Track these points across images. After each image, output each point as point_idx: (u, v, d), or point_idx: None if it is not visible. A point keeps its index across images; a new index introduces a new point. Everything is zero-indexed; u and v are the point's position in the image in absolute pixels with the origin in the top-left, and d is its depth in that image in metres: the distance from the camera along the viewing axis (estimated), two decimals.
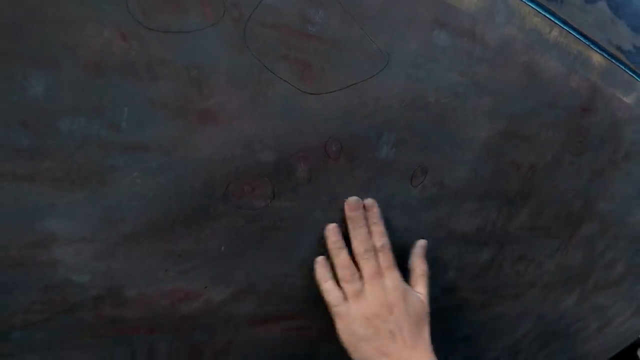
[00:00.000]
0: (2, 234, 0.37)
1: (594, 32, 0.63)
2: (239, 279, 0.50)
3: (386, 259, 0.51)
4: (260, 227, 0.49)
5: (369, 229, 0.51)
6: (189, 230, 0.45)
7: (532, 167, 0.70)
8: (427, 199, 0.61)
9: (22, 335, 0.41)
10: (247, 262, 0.50)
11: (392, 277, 0.51)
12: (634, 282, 1.19)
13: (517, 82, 0.60)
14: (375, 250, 0.50)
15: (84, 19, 0.33)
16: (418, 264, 0.56)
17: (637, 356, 1.84)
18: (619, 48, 0.68)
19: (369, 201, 0.52)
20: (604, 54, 0.66)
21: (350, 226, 0.50)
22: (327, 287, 0.50)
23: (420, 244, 0.58)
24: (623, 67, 0.70)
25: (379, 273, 0.50)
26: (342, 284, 0.50)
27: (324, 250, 0.53)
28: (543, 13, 0.57)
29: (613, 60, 0.68)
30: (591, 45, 0.64)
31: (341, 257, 0.50)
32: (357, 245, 0.50)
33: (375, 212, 0.52)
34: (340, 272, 0.50)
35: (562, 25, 0.60)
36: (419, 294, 0.54)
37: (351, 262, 0.50)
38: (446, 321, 0.80)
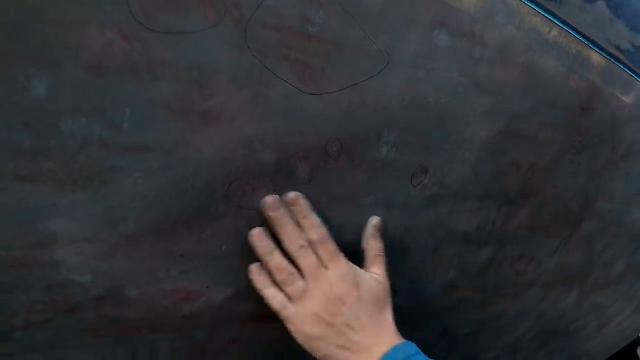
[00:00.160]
0: (4, 234, 0.37)
1: (593, 32, 0.63)
2: (240, 278, 0.50)
3: (326, 250, 0.47)
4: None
5: (299, 225, 0.47)
6: (190, 230, 0.45)
7: (532, 166, 0.70)
8: (427, 198, 0.61)
9: (24, 335, 0.41)
10: (248, 262, 0.50)
11: (337, 266, 0.47)
12: (634, 281, 1.20)
13: (517, 82, 0.60)
14: (311, 245, 0.46)
15: (85, 19, 0.33)
16: (372, 245, 0.52)
17: (636, 355, 1.84)
18: (617, 47, 0.68)
19: (291, 195, 0.47)
20: (603, 53, 0.66)
21: (274, 226, 0.46)
22: (269, 294, 0.47)
23: (372, 222, 0.53)
24: (622, 67, 0.70)
25: (320, 267, 0.46)
26: (283, 287, 0.46)
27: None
28: (542, 13, 0.57)
29: (612, 60, 0.68)
30: (590, 45, 0.64)
31: (274, 260, 0.46)
32: (288, 243, 0.46)
33: (302, 205, 0.47)
34: (278, 276, 0.46)
35: (561, 25, 0.60)
36: (375, 275, 0.50)
37: (287, 262, 0.46)
38: (446, 320, 0.80)
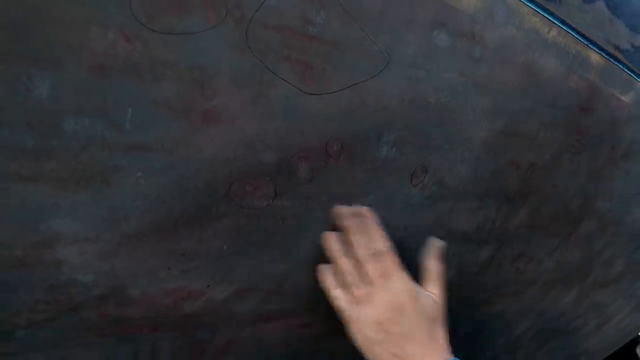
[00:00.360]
0: (7, 233, 0.37)
1: (592, 32, 0.64)
2: (241, 277, 0.51)
3: (391, 261, 0.50)
4: (262, 227, 0.49)
5: (367, 234, 0.50)
6: (192, 229, 0.45)
7: (531, 166, 0.70)
8: (427, 197, 0.61)
9: (27, 334, 0.41)
10: (249, 261, 0.50)
11: (400, 278, 0.50)
12: (633, 280, 1.20)
13: (516, 82, 0.60)
14: (378, 254, 0.50)
15: (87, 20, 0.34)
16: (432, 265, 0.56)
17: (636, 354, 1.84)
18: (617, 47, 0.68)
19: (361, 209, 0.52)
20: (602, 53, 0.67)
21: (348, 234, 0.50)
22: (336, 294, 0.50)
23: (435, 244, 0.57)
24: (621, 67, 0.70)
25: (385, 275, 0.49)
26: (349, 289, 0.49)
27: (326, 258, 0.53)
28: (542, 13, 0.57)
29: (611, 60, 0.68)
30: (589, 45, 0.65)
31: (344, 264, 0.50)
32: (359, 250, 0.49)
33: (370, 217, 0.51)
34: (347, 277, 0.49)
35: (560, 25, 0.60)
36: (431, 294, 0.53)
37: (355, 267, 0.49)
38: (446, 319, 0.81)
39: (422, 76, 0.52)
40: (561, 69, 0.63)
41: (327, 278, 0.51)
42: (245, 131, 0.44)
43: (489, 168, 0.65)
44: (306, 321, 0.60)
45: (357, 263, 0.51)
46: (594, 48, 0.65)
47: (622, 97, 0.74)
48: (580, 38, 0.63)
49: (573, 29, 0.61)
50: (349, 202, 0.54)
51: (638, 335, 1.76)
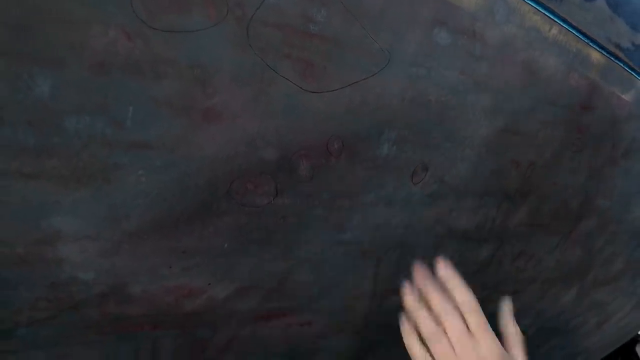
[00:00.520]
0: (8, 231, 0.37)
1: (593, 30, 0.64)
2: (242, 275, 0.51)
3: (476, 321, 0.47)
4: (263, 225, 0.50)
5: (447, 290, 0.49)
6: (193, 227, 0.45)
7: (532, 164, 0.70)
8: (428, 196, 0.61)
9: (28, 332, 0.42)
10: (250, 259, 0.50)
11: (487, 340, 0.47)
12: (633, 278, 1.20)
13: (517, 80, 0.60)
14: (460, 311, 0.48)
15: (89, 19, 0.34)
16: (512, 330, 0.53)
17: (636, 352, 1.85)
18: (617, 46, 0.68)
19: (441, 263, 0.50)
20: (603, 51, 0.66)
21: (425, 292, 0.49)
22: (415, 353, 0.48)
23: (506, 307, 0.55)
24: (622, 65, 0.70)
25: (468, 335, 0.47)
26: (428, 343, 0.47)
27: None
28: (542, 11, 0.57)
29: (612, 58, 0.68)
30: (590, 43, 0.64)
31: (423, 316, 0.48)
32: (437, 305, 0.47)
33: (449, 271, 0.50)
34: (425, 330, 0.47)
35: (561, 23, 0.60)
36: (518, 358, 0.51)
37: (435, 322, 0.47)
38: None
39: (423, 74, 0.52)
40: (562, 67, 0.63)
41: (407, 332, 0.49)
42: (246, 129, 0.44)
43: (490, 166, 0.65)
44: (307, 319, 0.60)
45: (439, 318, 0.47)
46: (594, 46, 0.65)
47: (623, 96, 0.74)
48: (581, 36, 0.63)
49: (574, 27, 0.61)
50: (349, 200, 0.54)
51: (638, 334, 1.77)
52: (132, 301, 0.45)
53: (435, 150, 0.58)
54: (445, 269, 0.50)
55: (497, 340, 0.49)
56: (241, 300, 0.52)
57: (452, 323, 0.47)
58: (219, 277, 0.49)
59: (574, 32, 0.62)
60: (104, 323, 0.44)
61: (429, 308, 0.49)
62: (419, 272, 0.50)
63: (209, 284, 0.49)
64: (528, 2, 0.56)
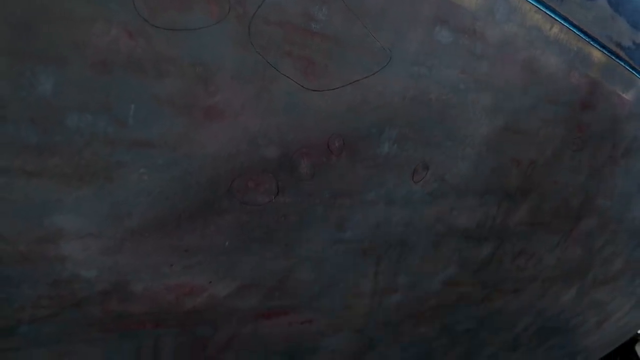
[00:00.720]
0: (11, 229, 0.37)
1: (594, 29, 0.64)
2: (244, 274, 0.51)
3: None
4: (264, 223, 0.50)
5: None
6: (194, 225, 0.45)
7: (532, 163, 0.70)
8: (429, 194, 0.61)
9: (30, 330, 0.42)
10: (251, 258, 0.50)
11: None
12: (633, 277, 1.20)
13: (518, 79, 0.60)
14: None
15: (91, 17, 0.34)
16: None
17: (635, 352, 1.85)
18: (618, 44, 0.68)
19: None
20: (604, 50, 0.66)
21: None
22: None
23: None
24: (623, 64, 0.70)
25: None
26: None
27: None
28: (544, 10, 0.57)
29: (613, 57, 0.68)
30: (591, 42, 0.64)
31: None
32: None
33: None
34: None
35: (562, 22, 0.60)
36: None
37: None
38: (446, 316, 0.81)
39: (424, 73, 0.52)
40: (563, 66, 0.63)
41: None
42: (247, 127, 0.44)
43: (490, 165, 0.65)
44: (307, 317, 0.60)
45: None
46: (595, 45, 0.65)
47: (624, 95, 0.74)
48: (582, 35, 0.63)
49: (575, 26, 0.61)
50: (350, 198, 0.54)
51: (637, 333, 1.77)
52: (134, 299, 0.45)
53: (436, 148, 0.58)
54: None
55: None
56: (242, 299, 0.52)
57: None
58: (221, 275, 0.49)
59: (575, 30, 0.62)
60: (106, 321, 0.44)
61: None
62: None
63: (210, 282, 0.49)
64: (529, 0, 0.56)
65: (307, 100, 0.46)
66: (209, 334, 0.53)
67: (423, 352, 0.82)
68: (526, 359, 1.13)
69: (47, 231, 0.38)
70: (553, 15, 0.59)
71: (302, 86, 0.45)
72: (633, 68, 0.72)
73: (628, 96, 0.75)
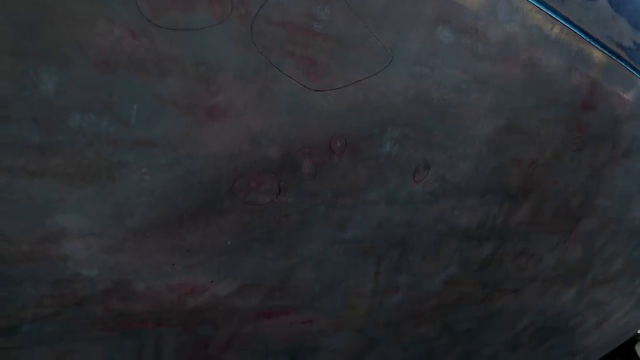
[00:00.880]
0: (13, 228, 0.37)
1: (595, 29, 0.64)
2: (245, 273, 0.51)
3: None
4: (265, 223, 0.50)
5: None
6: (196, 225, 0.45)
7: (533, 162, 0.70)
8: (430, 194, 0.61)
9: (32, 329, 0.42)
10: (252, 257, 0.51)
11: None
12: (633, 277, 1.20)
13: (519, 79, 0.60)
14: None
15: (94, 17, 0.34)
16: None
17: (635, 352, 1.85)
18: (619, 45, 0.68)
19: None
20: (604, 50, 0.67)
21: None
22: None
23: None
24: (623, 64, 0.70)
25: None
26: None
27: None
28: (545, 10, 0.57)
29: (614, 57, 0.68)
30: (592, 42, 0.65)
31: None
32: None
33: None
34: None
35: (563, 23, 0.60)
36: None
37: None
38: (447, 315, 0.81)
39: (426, 73, 0.52)
40: (563, 66, 0.63)
41: None
42: (249, 127, 0.44)
43: (491, 165, 0.65)
44: (308, 317, 0.60)
45: None
46: (596, 45, 0.65)
47: (624, 95, 0.74)
48: (582, 35, 0.63)
49: (576, 26, 0.61)
50: (352, 198, 0.54)
51: (637, 333, 1.77)
52: (136, 298, 0.45)
53: (438, 148, 0.58)
54: None
55: None
56: (243, 298, 0.52)
57: None
58: (222, 275, 0.49)
59: (576, 31, 0.62)
60: (108, 319, 0.44)
61: None
62: None
63: (212, 281, 0.49)
64: (530, 1, 0.56)
65: (309, 100, 0.46)
66: (210, 333, 0.54)
67: (423, 351, 0.82)
68: (526, 359, 1.13)
69: (49, 230, 0.39)
70: (554, 16, 0.59)
71: (305, 86, 0.45)
72: (634, 68, 0.72)
73: (628, 96, 0.75)
